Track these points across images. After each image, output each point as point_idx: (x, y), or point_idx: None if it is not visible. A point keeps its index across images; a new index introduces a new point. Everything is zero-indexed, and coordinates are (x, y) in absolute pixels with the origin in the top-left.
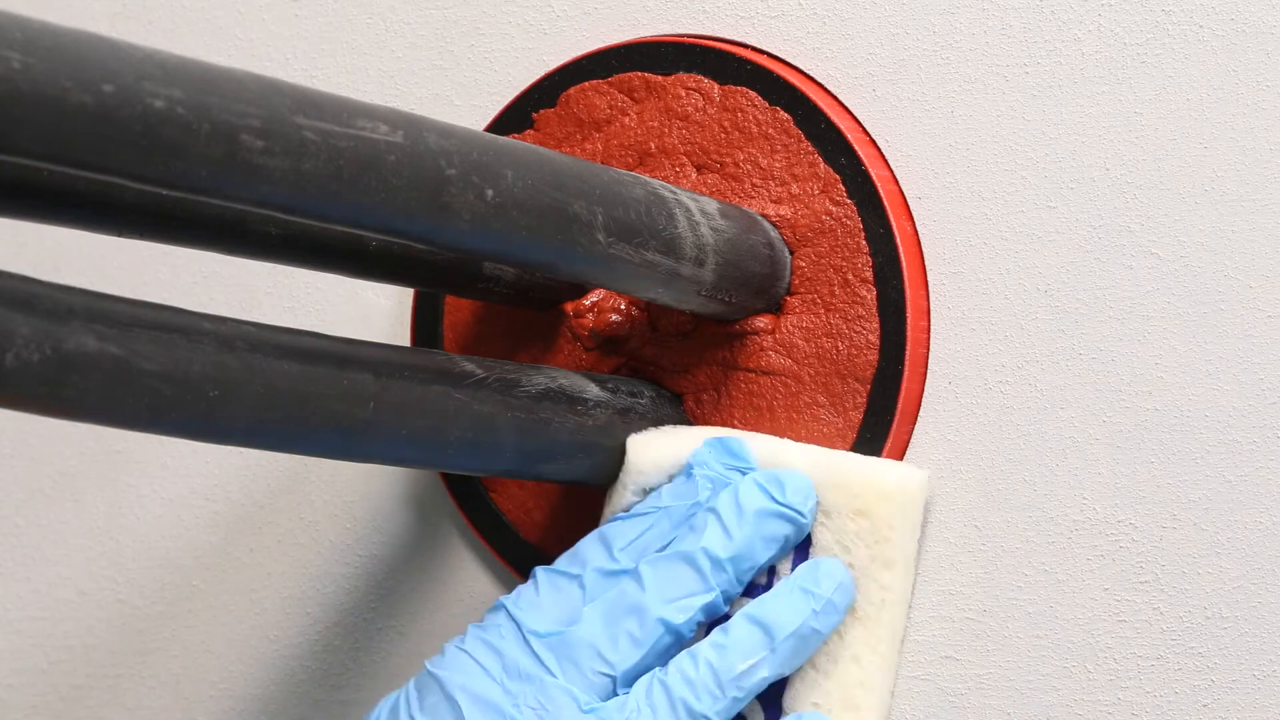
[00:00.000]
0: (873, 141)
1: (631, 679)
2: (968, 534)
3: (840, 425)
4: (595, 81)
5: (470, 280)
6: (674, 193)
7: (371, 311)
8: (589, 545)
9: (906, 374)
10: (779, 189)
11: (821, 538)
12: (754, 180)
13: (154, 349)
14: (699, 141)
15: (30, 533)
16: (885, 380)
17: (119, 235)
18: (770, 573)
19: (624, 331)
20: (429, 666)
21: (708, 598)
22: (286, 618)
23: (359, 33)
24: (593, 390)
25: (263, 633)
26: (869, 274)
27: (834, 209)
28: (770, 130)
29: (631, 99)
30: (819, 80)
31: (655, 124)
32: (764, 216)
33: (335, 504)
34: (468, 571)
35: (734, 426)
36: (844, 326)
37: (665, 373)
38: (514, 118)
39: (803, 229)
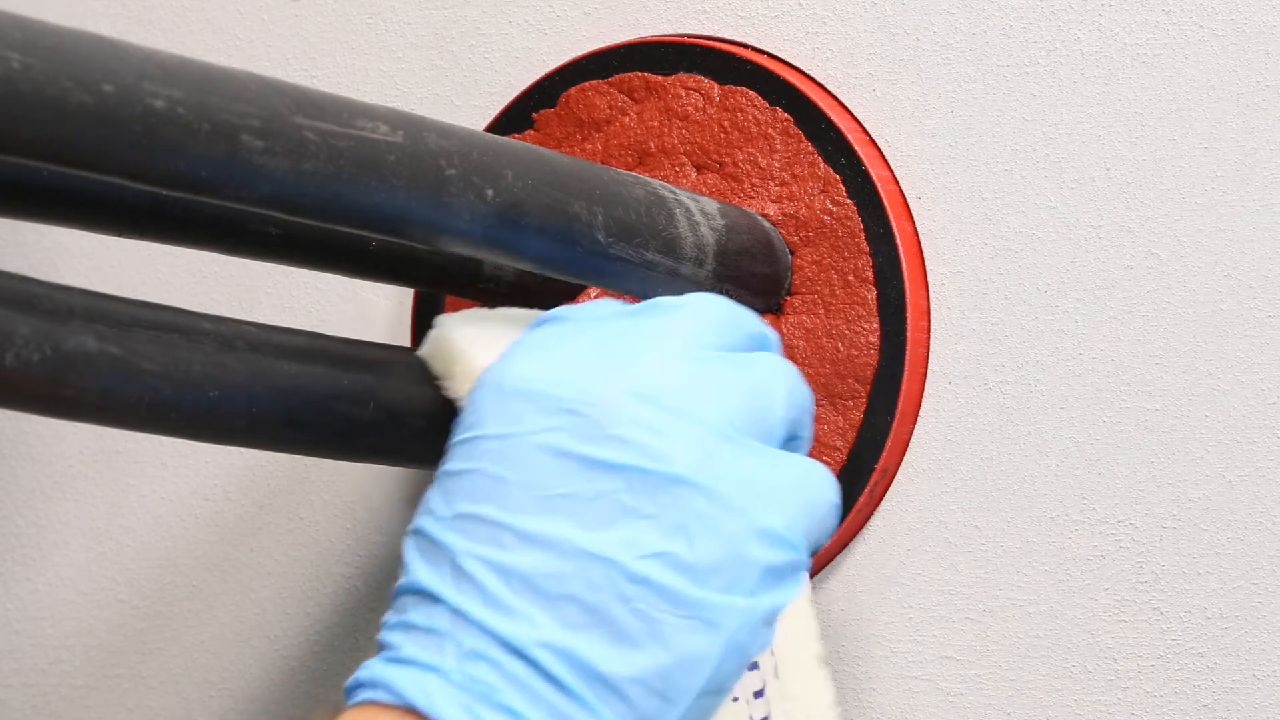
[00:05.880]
0: (873, 141)
1: None
2: (968, 534)
3: (840, 425)
4: (595, 81)
5: (470, 280)
6: (674, 193)
7: (371, 311)
8: None
9: (906, 374)
10: (779, 189)
11: None
12: (754, 180)
13: (154, 349)
14: (699, 141)
15: (30, 533)
16: (885, 380)
17: (119, 235)
18: None
19: None
20: None
21: None
22: (286, 618)
23: (359, 33)
24: None
25: (263, 633)
26: (869, 274)
27: (834, 209)
28: (770, 130)
29: (631, 99)
30: (819, 80)
31: (655, 124)
32: (764, 216)
33: (335, 504)
34: None
35: None
36: (844, 327)
37: None
38: (514, 118)
39: (803, 229)
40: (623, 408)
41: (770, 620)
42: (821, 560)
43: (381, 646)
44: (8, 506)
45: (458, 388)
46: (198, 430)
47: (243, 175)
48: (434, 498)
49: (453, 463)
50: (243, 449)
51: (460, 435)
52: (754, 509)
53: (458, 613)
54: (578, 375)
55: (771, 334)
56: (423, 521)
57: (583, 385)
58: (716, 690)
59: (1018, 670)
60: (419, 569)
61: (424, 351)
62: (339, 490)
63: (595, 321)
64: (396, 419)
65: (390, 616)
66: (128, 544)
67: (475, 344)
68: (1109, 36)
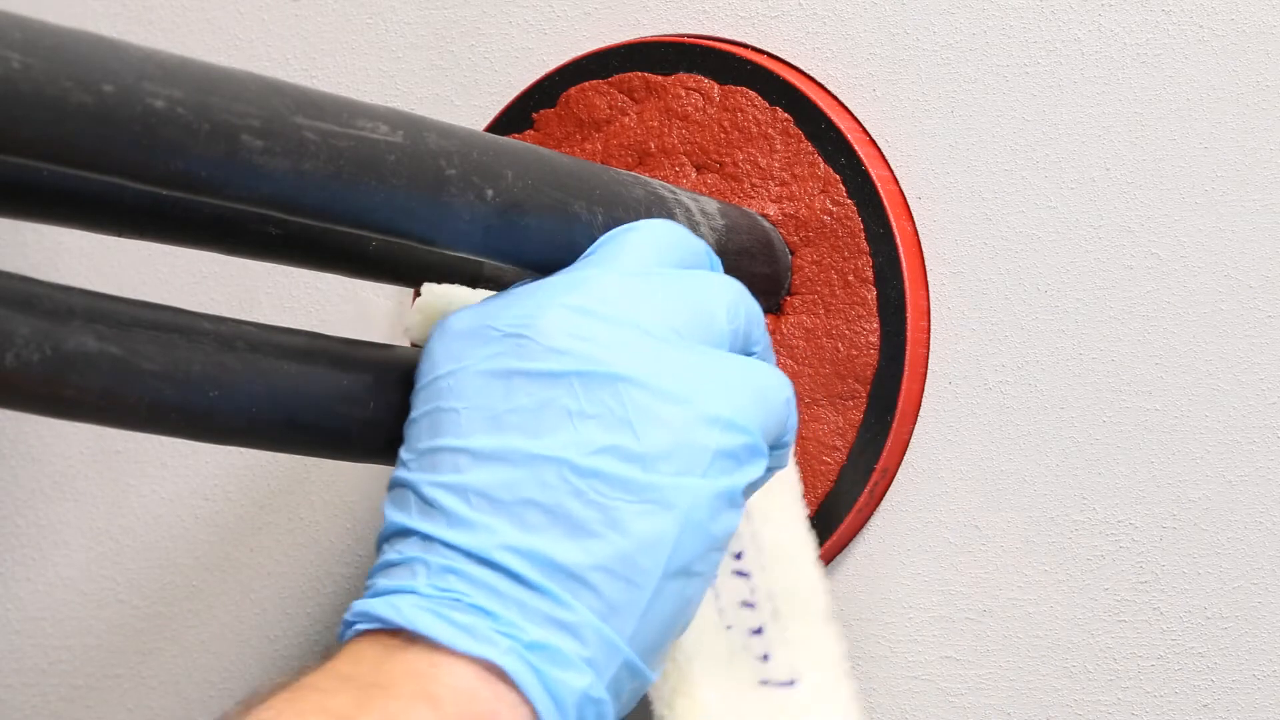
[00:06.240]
0: (873, 141)
1: None
2: (968, 534)
3: (840, 425)
4: (595, 81)
5: (470, 280)
6: (674, 193)
7: (371, 311)
8: None
9: (906, 374)
10: (779, 189)
11: None
12: (754, 180)
13: (154, 349)
14: (699, 141)
15: (30, 533)
16: (885, 380)
17: (119, 235)
18: None
19: None
20: None
21: None
22: (286, 618)
23: (359, 33)
24: None
25: (263, 633)
26: (869, 274)
27: (834, 209)
28: (770, 130)
29: (631, 99)
30: (819, 80)
31: (655, 124)
32: (764, 216)
33: (335, 504)
34: None
35: None
36: (844, 327)
37: None
38: (514, 118)
39: (803, 229)
40: (560, 323)
41: (733, 501)
42: (822, 560)
43: (365, 591)
44: (8, 506)
45: None
46: (198, 430)
47: (243, 175)
48: (402, 450)
49: (413, 411)
50: (243, 449)
51: (416, 385)
52: (699, 398)
53: (426, 538)
54: (518, 306)
55: (716, 259)
56: (394, 473)
57: (521, 312)
58: (682, 571)
59: (1018, 670)
60: (391, 513)
61: (409, 320)
62: (339, 490)
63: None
64: (396, 419)
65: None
66: (128, 544)
67: (453, 306)
68: (1109, 36)
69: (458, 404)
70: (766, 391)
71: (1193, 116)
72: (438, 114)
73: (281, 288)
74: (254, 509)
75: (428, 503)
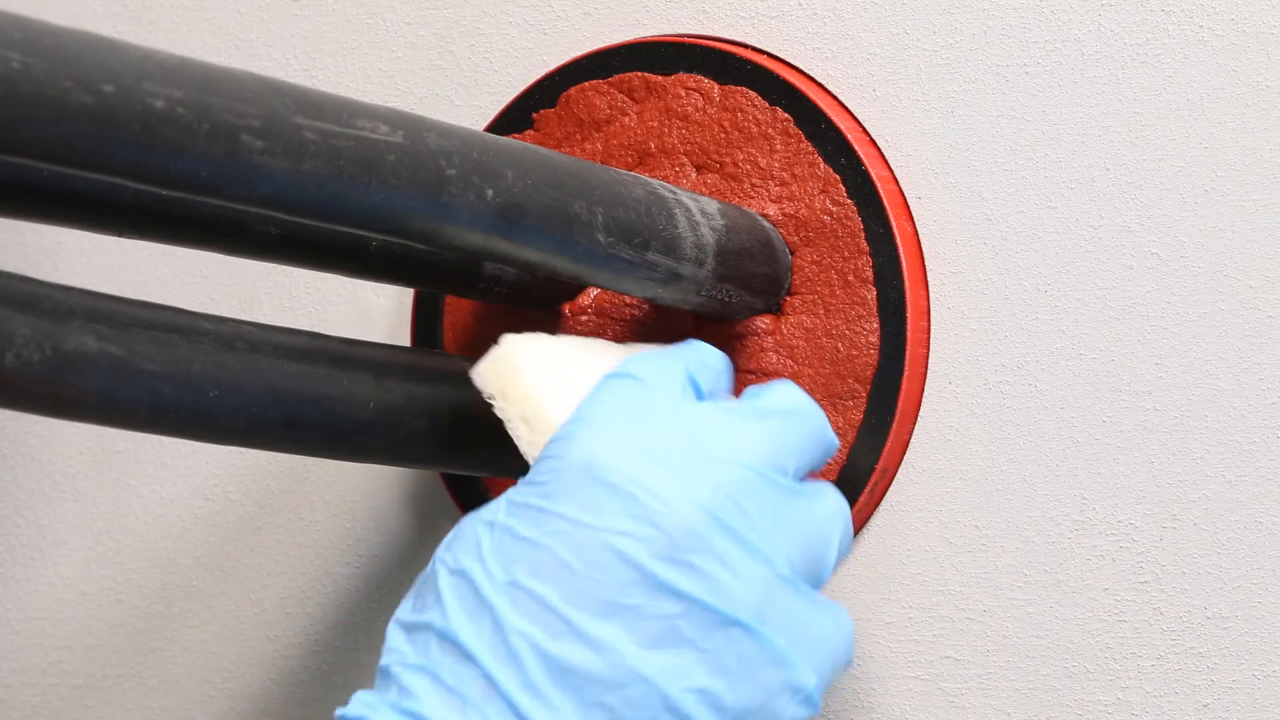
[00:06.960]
0: (873, 141)
1: None
2: (968, 534)
3: (840, 425)
4: (595, 81)
5: (470, 280)
6: (674, 193)
7: (371, 311)
8: None
9: (906, 374)
10: (779, 189)
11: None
12: (754, 180)
13: (154, 349)
14: (699, 141)
15: (30, 533)
16: (885, 380)
17: (119, 235)
18: None
19: (623, 333)
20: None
21: None
22: (286, 618)
23: (359, 33)
24: None
25: (263, 633)
26: (869, 274)
27: (834, 209)
28: (770, 130)
29: (631, 99)
30: (819, 80)
31: (655, 124)
32: (764, 216)
33: (335, 504)
34: None
35: None
36: (844, 327)
37: None
38: (514, 118)
39: (803, 229)
40: (699, 532)
41: None
42: None
43: (391, 678)
44: (8, 506)
45: (511, 411)
46: (198, 430)
47: (243, 175)
48: (487, 549)
49: (520, 524)
50: (243, 449)
51: (533, 498)
52: (795, 663)
53: (491, 683)
54: (663, 481)
55: (837, 445)
56: (469, 565)
57: (666, 496)
58: None
59: (1018, 670)
60: (458, 617)
61: (481, 368)
62: (339, 490)
63: (674, 399)
64: (396, 419)
65: (404, 646)
66: (128, 544)
67: (544, 381)
68: (1109, 36)
69: (574, 562)
70: (840, 657)
71: (1193, 116)
72: (438, 114)
73: (281, 288)
74: (254, 509)
75: (507, 644)
